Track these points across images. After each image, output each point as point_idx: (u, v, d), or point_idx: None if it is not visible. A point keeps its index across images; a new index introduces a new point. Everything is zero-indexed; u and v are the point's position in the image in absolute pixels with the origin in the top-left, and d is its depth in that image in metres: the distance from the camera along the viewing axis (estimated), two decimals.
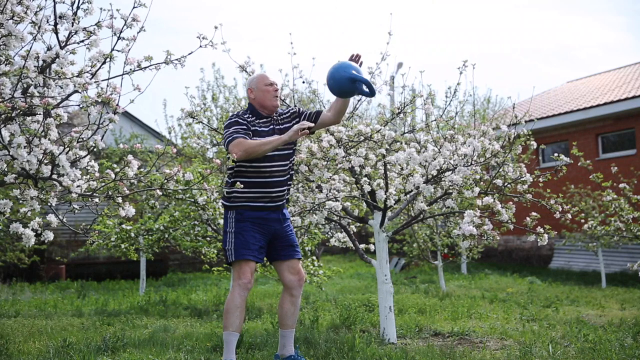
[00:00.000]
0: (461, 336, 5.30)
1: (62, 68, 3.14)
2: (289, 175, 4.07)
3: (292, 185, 4.23)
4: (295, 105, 4.25)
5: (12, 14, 3.10)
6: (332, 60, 4.09)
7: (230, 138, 3.82)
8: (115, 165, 3.46)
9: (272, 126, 4.03)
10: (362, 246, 5.49)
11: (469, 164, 4.79)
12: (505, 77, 44.51)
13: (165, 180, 3.54)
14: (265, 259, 4.15)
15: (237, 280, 3.80)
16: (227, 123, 3.97)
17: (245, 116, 3.99)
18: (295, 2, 57.49)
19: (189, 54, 3.46)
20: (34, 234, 3.13)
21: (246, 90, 4.15)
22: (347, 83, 3.91)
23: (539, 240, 4.42)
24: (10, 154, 3.03)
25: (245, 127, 3.90)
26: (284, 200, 4.07)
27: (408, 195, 5.09)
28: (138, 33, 3.29)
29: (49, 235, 3.23)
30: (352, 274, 12.73)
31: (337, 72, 3.94)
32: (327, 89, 4.06)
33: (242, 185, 3.69)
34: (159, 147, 3.39)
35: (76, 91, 3.15)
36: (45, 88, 3.17)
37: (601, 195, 6.81)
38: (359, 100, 5.53)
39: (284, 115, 4.13)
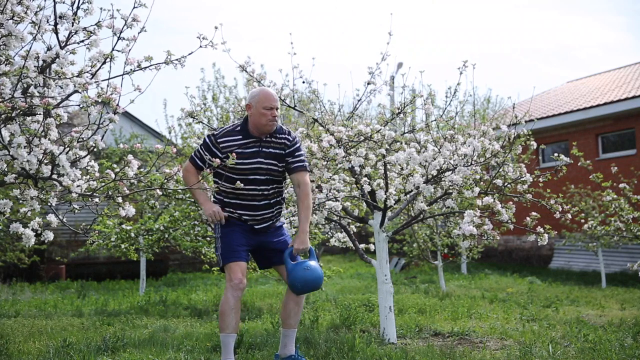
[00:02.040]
0: (461, 336, 5.30)
1: (62, 68, 3.14)
2: (275, 200, 3.97)
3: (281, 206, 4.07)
4: (294, 138, 3.97)
5: (12, 14, 3.10)
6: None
7: (189, 158, 3.98)
8: (115, 165, 3.46)
9: (258, 148, 3.87)
10: (362, 246, 5.49)
11: (469, 164, 4.79)
12: (505, 77, 44.56)
13: (165, 180, 3.54)
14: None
15: (229, 282, 3.78)
16: (202, 139, 4.01)
17: (221, 140, 3.85)
18: (295, 2, 57.53)
19: (189, 54, 3.46)
20: (34, 234, 3.14)
21: (245, 104, 3.95)
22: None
23: (539, 240, 4.42)
24: (10, 154, 3.03)
25: (207, 152, 3.85)
26: (273, 221, 3.99)
27: (408, 195, 5.09)
28: (138, 33, 3.29)
29: (49, 235, 3.23)
30: (352, 274, 12.73)
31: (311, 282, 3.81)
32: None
33: (242, 185, 3.69)
34: (159, 147, 3.39)
35: (76, 91, 3.15)
36: (45, 88, 3.18)
37: (601, 195, 6.81)
38: (359, 101, 5.54)
39: (276, 140, 3.91)
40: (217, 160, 3.55)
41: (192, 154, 3.95)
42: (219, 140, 3.86)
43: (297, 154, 3.95)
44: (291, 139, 3.96)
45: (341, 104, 17.61)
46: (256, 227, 3.92)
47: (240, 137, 3.88)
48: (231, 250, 3.83)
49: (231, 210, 3.90)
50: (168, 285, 11.21)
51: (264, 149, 3.88)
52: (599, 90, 15.72)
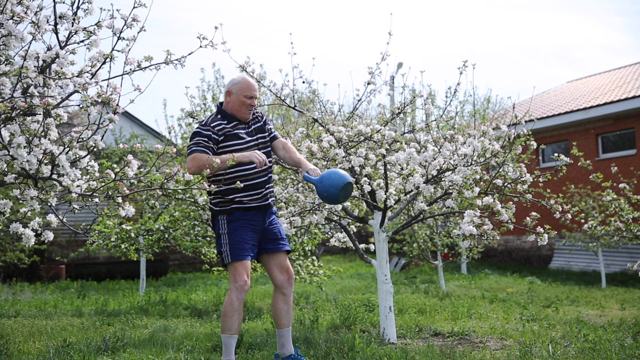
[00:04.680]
0: (461, 336, 5.30)
1: (62, 68, 3.14)
2: (270, 173, 4.10)
3: (276, 184, 4.24)
4: (261, 114, 4.17)
5: (12, 14, 3.10)
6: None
7: (189, 150, 3.84)
8: (115, 165, 3.46)
9: (250, 128, 4.04)
10: (362, 246, 5.49)
11: (469, 164, 4.79)
12: (505, 77, 44.54)
13: (165, 180, 3.54)
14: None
15: (233, 283, 3.76)
16: (191, 134, 3.99)
17: (214, 125, 3.92)
18: (295, 2, 57.53)
19: (189, 54, 3.46)
20: (34, 234, 3.13)
21: (225, 90, 4.07)
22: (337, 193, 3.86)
23: (539, 240, 4.42)
24: (10, 154, 3.03)
25: (206, 139, 3.86)
26: (273, 198, 4.09)
27: (408, 195, 5.09)
28: (138, 33, 3.29)
29: (49, 235, 3.23)
30: (352, 274, 12.73)
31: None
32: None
33: (241, 185, 3.67)
34: (159, 147, 3.39)
35: (76, 91, 3.15)
36: (45, 88, 3.17)
37: (601, 195, 6.80)
38: (359, 101, 5.53)
39: (252, 116, 4.09)
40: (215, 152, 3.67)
41: (192, 146, 3.84)
42: (212, 125, 3.93)
43: (270, 124, 4.18)
44: (260, 112, 4.18)
45: (341, 104, 17.58)
46: (262, 204, 3.94)
47: (225, 122, 3.99)
48: (238, 248, 3.81)
49: (236, 200, 3.87)
50: (168, 285, 11.21)
51: (250, 127, 4.06)
52: (599, 90, 15.72)
